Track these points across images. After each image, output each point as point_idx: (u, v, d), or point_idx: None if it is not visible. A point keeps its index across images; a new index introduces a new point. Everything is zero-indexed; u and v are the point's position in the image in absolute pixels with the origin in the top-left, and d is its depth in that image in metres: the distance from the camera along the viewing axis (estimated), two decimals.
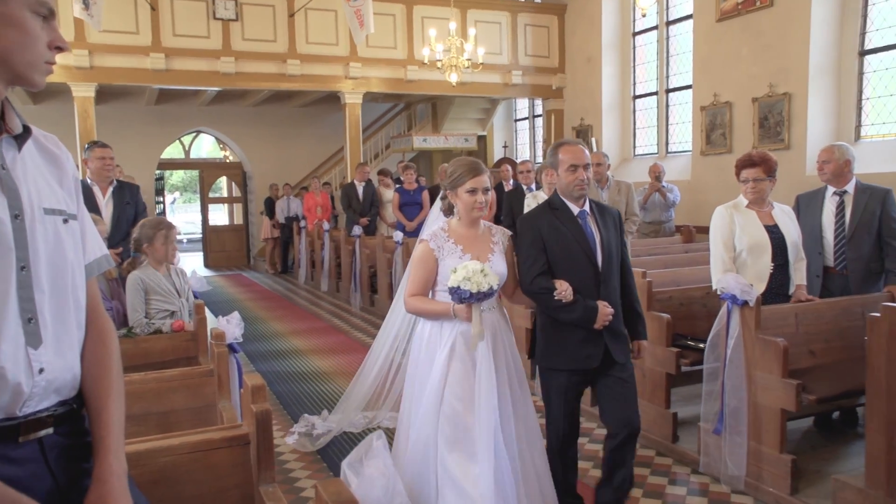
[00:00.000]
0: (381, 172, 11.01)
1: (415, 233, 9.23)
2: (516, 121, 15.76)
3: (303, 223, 12.44)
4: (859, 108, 8.19)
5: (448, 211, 3.02)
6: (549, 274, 3.01)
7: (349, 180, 11.12)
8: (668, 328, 4.27)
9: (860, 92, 8.17)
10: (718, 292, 3.87)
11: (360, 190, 10.45)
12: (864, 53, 8.11)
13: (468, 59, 10.19)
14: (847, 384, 3.87)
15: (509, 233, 3.09)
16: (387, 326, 4.22)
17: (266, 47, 11.07)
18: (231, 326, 3.32)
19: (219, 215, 18.36)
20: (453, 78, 10.27)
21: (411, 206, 9.58)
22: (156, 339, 3.70)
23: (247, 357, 6.86)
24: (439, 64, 10.16)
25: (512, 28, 12.62)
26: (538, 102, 14.14)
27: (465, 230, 2.96)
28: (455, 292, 2.67)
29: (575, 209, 3.08)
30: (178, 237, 4.36)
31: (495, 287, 2.70)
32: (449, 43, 10.08)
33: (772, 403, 3.64)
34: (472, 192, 2.87)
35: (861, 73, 8.14)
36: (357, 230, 9.75)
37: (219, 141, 16.91)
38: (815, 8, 8.19)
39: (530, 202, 6.36)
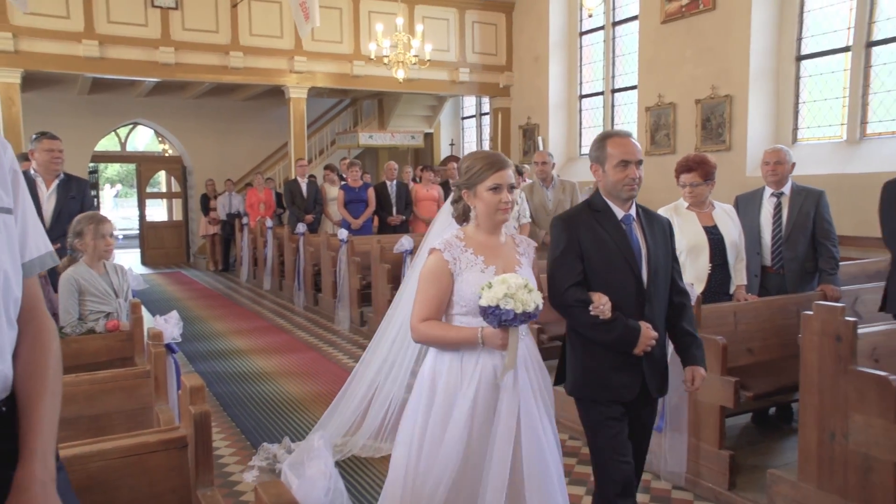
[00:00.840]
0: (328, 167, 10.86)
1: (360, 231, 9.15)
2: (463, 118, 15.77)
3: (245, 220, 12.18)
4: (796, 112, 8.45)
5: (463, 217, 2.54)
6: (584, 285, 2.58)
7: (293, 177, 10.92)
8: None
9: (797, 96, 8.43)
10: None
11: (303, 186, 10.27)
12: (800, 58, 8.37)
13: (415, 56, 10.12)
14: (783, 380, 3.98)
15: (535, 243, 2.67)
16: (373, 350, 3.73)
17: (207, 38, 10.76)
18: (169, 326, 3.19)
19: (157, 211, 17.83)
20: (400, 74, 10.19)
21: (356, 204, 9.47)
22: (89, 339, 3.53)
23: (185, 357, 6.65)
24: (386, 60, 10.06)
25: (460, 25, 12.60)
26: (485, 100, 14.16)
27: (484, 238, 2.49)
28: (491, 314, 2.19)
29: (619, 213, 2.66)
30: (114, 233, 4.13)
31: (541, 306, 2.27)
32: (396, 39, 9.99)
33: (711, 400, 3.70)
34: (496, 189, 2.42)
35: (798, 78, 8.40)
36: (301, 227, 9.59)
37: (158, 134, 16.41)
38: (755, 13, 8.41)
39: None
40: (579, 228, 2.63)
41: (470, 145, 15.48)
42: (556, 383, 2.76)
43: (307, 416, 4.99)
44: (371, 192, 9.54)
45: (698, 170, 4.07)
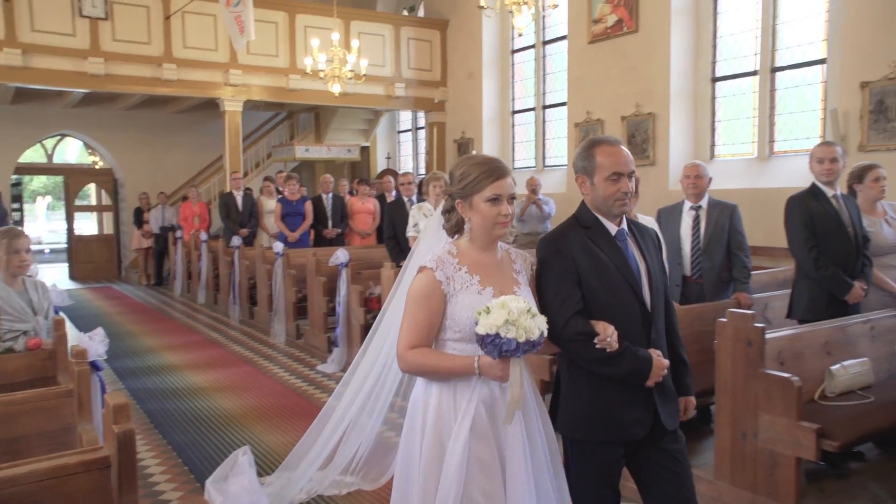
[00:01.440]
0: (268, 179, 10.81)
1: (296, 244, 9.14)
2: (399, 132, 15.89)
3: (179, 233, 11.97)
4: (713, 130, 8.91)
5: (455, 229, 2.26)
6: (585, 314, 2.29)
7: (228, 190, 10.81)
8: None
9: (713, 115, 8.90)
10: None
11: (239, 200, 10.19)
12: (715, 80, 8.85)
13: (351, 71, 10.20)
14: (702, 384, 4.19)
15: (531, 258, 2.38)
16: (347, 382, 3.34)
17: (139, 49, 10.59)
18: (94, 343, 3.16)
19: (87, 224, 17.28)
20: (336, 88, 10.24)
21: (294, 217, 9.46)
22: (7, 358, 3.44)
23: (115, 375, 6.53)
24: (322, 74, 10.10)
25: (395, 41, 12.74)
26: (421, 115, 14.31)
27: (479, 254, 2.22)
28: (490, 343, 1.96)
29: (612, 228, 2.39)
30: (40, 247, 4.03)
31: (546, 332, 2.03)
32: (332, 53, 10.05)
33: None
34: (495, 200, 2.15)
35: (714, 98, 8.87)
36: (236, 241, 9.50)
37: (87, 146, 15.94)
38: (674, 37, 8.83)
39: (415, 214, 6.45)
40: (573, 249, 2.34)
41: (406, 159, 15.60)
42: None
43: (242, 431, 4.98)
44: (308, 206, 9.56)
45: None
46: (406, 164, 15.48)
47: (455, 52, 12.96)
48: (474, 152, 12.20)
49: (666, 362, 2.33)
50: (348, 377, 3.30)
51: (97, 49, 10.24)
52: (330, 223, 9.65)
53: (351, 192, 10.63)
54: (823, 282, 4.20)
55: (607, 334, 2.22)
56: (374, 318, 6.43)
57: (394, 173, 11.49)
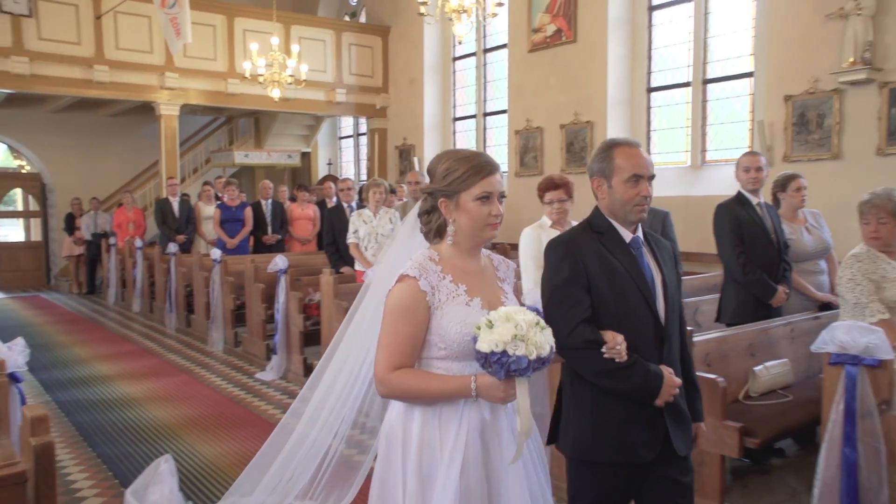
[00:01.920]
0: (207, 183, 10.61)
1: (235, 250, 8.99)
2: (341, 138, 15.81)
3: (112, 240, 11.61)
4: (649, 139, 9.15)
5: (437, 233, 2.02)
6: (593, 323, 2.14)
7: (164, 195, 10.55)
8: None
9: (649, 124, 9.15)
10: (524, 302, 4.16)
11: (175, 206, 9.96)
12: (650, 90, 9.10)
13: (291, 76, 10.11)
14: None
15: (514, 264, 2.21)
16: (304, 399, 2.94)
17: (68, 49, 10.24)
18: (13, 353, 3.03)
19: (13, 231, 16.57)
20: (276, 93, 10.13)
21: (233, 223, 9.32)
22: None
23: (42, 387, 6.30)
24: (261, 79, 9.98)
25: (336, 46, 12.68)
26: (363, 121, 14.28)
27: (462, 260, 2.00)
28: (496, 362, 1.73)
29: (627, 235, 2.25)
30: None
31: (555, 347, 1.82)
32: (271, 58, 9.95)
33: None
34: (485, 199, 1.94)
35: (649, 108, 9.12)
36: (172, 247, 9.28)
37: (12, 149, 15.30)
38: (611, 47, 9.05)
39: (355, 220, 6.44)
40: (585, 253, 2.20)
41: (348, 165, 15.53)
42: (547, 442, 2.31)
43: (176, 442, 4.86)
44: (248, 212, 9.43)
45: (564, 187, 4.35)
46: (348, 171, 15.40)
47: (397, 59, 12.98)
48: (416, 159, 12.25)
49: (678, 381, 2.15)
50: (307, 393, 2.88)
51: (21, 48, 9.86)
52: (270, 229, 9.53)
53: (291, 199, 10.52)
54: (750, 286, 4.37)
55: (616, 342, 2.06)
56: (314, 324, 6.47)
57: (335, 179, 11.41)
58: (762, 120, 7.56)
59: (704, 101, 8.54)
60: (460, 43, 10.57)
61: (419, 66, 12.35)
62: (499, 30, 11.15)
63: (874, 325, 3.08)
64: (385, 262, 2.30)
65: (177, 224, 9.89)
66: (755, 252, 4.37)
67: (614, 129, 9.09)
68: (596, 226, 2.27)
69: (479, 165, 1.96)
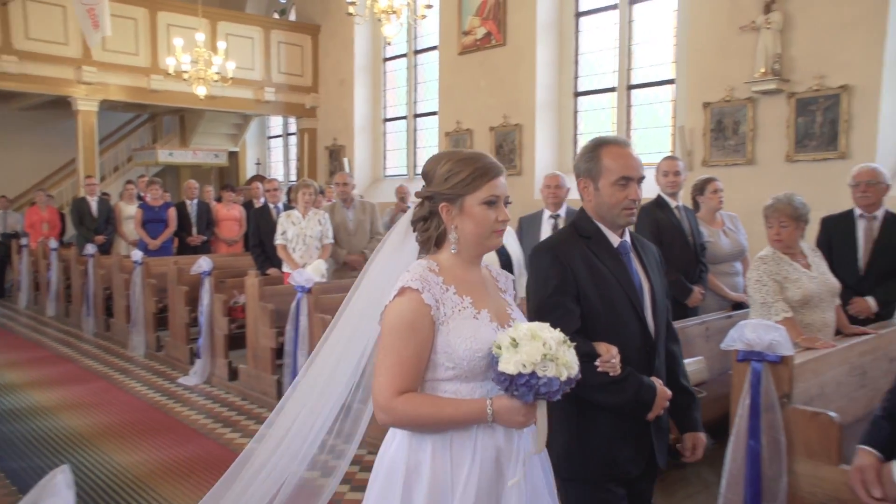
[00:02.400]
0: (130, 182, 10.23)
1: (158, 252, 8.71)
2: (269, 138, 15.56)
3: (24, 241, 11.06)
4: (575, 142, 9.36)
5: (435, 241, 1.84)
6: (583, 333, 2.02)
7: (82, 194, 10.13)
8: None
9: (575, 128, 9.36)
10: None
11: (93, 205, 9.58)
12: (577, 94, 9.31)
13: (218, 73, 9.88)
14: None
15: (511, 276, 2.02)
16: (272, 423, 2.39)
17: None
18: None
19: None
20: (201, 91, 9.88)
21: (156, 224, 9.03)
22: None
23: None
24: (186, 76, 9.71)
25: (265, 44, 12.46)
26: (292, 120, 14.08)
27: (464, 271, 1.82)
28: (524, 385, 1.59)
29: (615, 239, 2.16)
30: None
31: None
32: (197, 54, 9.69)
33: None
34: (492, 203, 1.78)
35: (576, 112, 9.34)
36: (90, 249, 8.91)
37: None
38: (539, 51, 9.22)
39: (283, 222, 6.34)
40: (573, 260, 2.08)
41: (277, 165, 15.29)
42: None
43: (92, 452, 4.66)
44: (172, 212, 9.15)
45: None
46: (277, 171, 15.16)
47: (327, 58, 12.86)
48: (346, 160, 12.15)
49: (669, 393, 2.07)
50: (274, 417, 2.39)
51: None
52: (194, 230, 9.28)
53: (217, 199, 10.27)
54: (668, 287, 4.51)
55: (611, 355, 1.94)
56: (239, 327, 6.33)
57: (263, 179, 11.21)
58: (683, 125, 7.84)
59: (629, 106, 8.80)
60: (389, 44, 10.55)
61: (349, 67, 12.27)
62: (429, 31, 11.20)
63: (778, 324, 3.25)
64: (370, 275, 2.02)
65: (95, 224, 9.51)
66: (673, 254, 4.50)
67: (542, 132, 9.26)
68: (582, 229, 2.16)
69: (485, 167, 1.80)
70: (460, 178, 1.77)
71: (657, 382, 2.07)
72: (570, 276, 2.05)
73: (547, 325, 1.66)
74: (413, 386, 1.71)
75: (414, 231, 1.88)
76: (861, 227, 4.22)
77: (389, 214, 8.66)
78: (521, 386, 1.58)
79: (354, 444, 2.17)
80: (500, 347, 1.62)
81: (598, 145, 2.15)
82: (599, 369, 1.94)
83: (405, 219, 1.92)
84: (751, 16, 7.00)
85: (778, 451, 2.50)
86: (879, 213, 4.20)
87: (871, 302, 4.07)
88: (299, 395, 2.24)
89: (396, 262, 1.92)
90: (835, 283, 3.56)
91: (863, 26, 6.41)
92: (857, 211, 4.25)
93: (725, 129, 7.46)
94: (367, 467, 3.94)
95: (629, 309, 2.08)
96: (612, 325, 2.05)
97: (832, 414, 2.48)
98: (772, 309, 3.38)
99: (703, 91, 7.59)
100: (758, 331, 2.66)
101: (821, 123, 6.70)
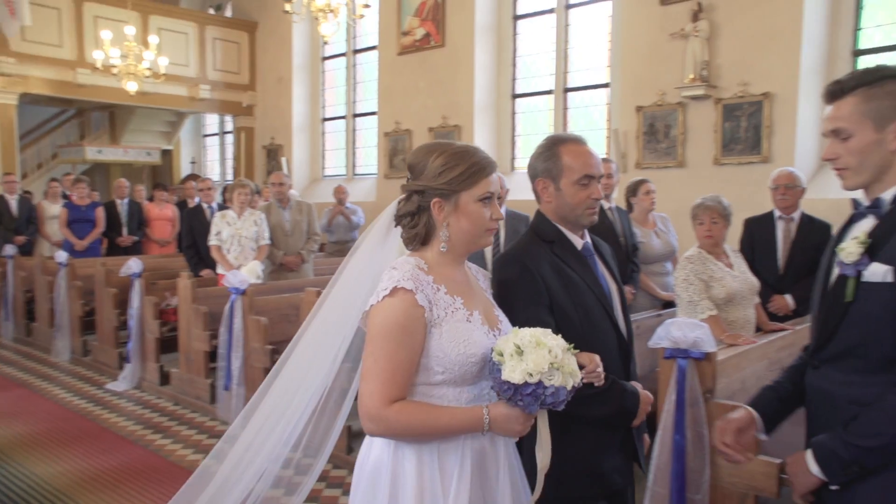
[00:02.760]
0: (54, 180, 9.82)
1: (85, 253, 8.40)
2: (205, 136, 15.21)
3: None
4: (513, 143, 9.47)
5: (423, 238, 1.74)
6: None
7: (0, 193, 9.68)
8: None
9: (513, 129, 9.46)
10: None
11: (12, 204, 9.16)
12: (515, 96, 9.42)
13: (149, 69, 9.59)
14: None
15: (488, 273, 1.96)
16: (231, 439, 2.10)
17: None
18: None
19: None
20: (131, 86, 9.58)
21: (82, 224, 8.70)
22: None
23: None
24: (115, 70, 9.40)
25: (199, 40, 12.17)
26: (228, 119, 13.80)
27: (451, 270, 1.74)
28: (530, 394, 1.53)
29: (578, 241, 2.08)
30: None
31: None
32: (126, 49, 9.39)
33: None
34: (487, 200, 1.71)
35: (514, 114, 9.45)
36: (10, 250, 8.51)
37: None
38: (478, 53, 9.29)
39: (218, 222, 6.21)
40: (543, 269, 1.98)
41: (213, 164, 14.96)
42: None
43: (10, 464, 4.46)
44: (100, 212, 8.85)
45: None
46: (213, 170, 14.84)
47: (265, 56, 12.65)
48: (284, 160, 11.98)
49: (651, 397, 2.01)
50: (236, 431, 2.12)
51: None
52: (125, 231, 9.00)
53: (149, 198, 9.98)
54: None
55: (595, 364, 1.79)
56: (171, 330, 6.17)
57: (198, 178, 10.95)
58: (617, 129, 8.02)
59: (565, 108, 8.95)
60: (326, 43, 10.46)
61: (288, 65, 12.10)
62: (368, 31, 11.15)
63: (704, 321, 3.36)
64: (348, 274, 1.87)
65: (15, 224, 9.09)
66: None
67: (481, 133, 9.33)
68: (544, 234, 2.06)
69: (482, 162, 1.71)
70: (457, 174, 1.68)
71: (638, 387, 2.00)
72: (540, 285, 1.95)
73: (549, 330, 1.60)
74: (404, 393, 1.62)
75: (399, 227, 1.78)
76: (780, 229, 4.41)
77: (327, 215, 8.58)
78: (527, 396, 1.52)
79: (323, 458, 1.99)
80: (501, 354, 1.55)
81: (555, 143, 2.07)
82: (585, 381, 1.74)
83: (387, 214, 1.82)
84: (680, 23, 7.22)
85: (702, 445, 2.59)
86: (796, 215, 4.39)
87: (789, 300, 4.25)
88: (266, 405, 1.99)
89: (376, 260, 1.82)
90: (755, 282, 3.70)
91: (781, 38, 6.70)
92: (777, 213, 4.44)
93: (657, 133, 7.67)
94: (335, 483, 3.92)
95: (602, 314, 2.00)
96: (589, 332, 1.95)
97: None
98: (698, 307, 3.49)
99: (636, 95, 7.79)
100: (683, 329, 2.74)
101: (745, 128, 6.97)
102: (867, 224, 1.70)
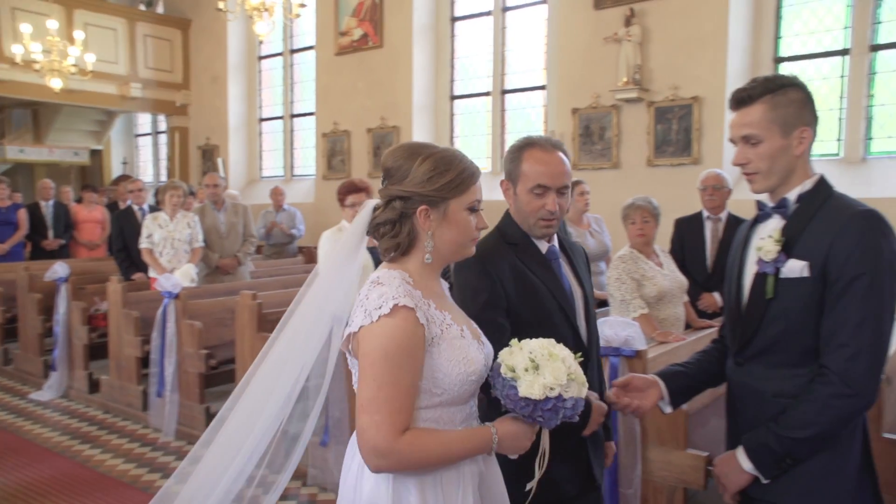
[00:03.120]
0: None
1: (7, 257, 8.05)
2: (137, 136, 14.73)
3: None
4: (452, 145, 9.48)
5: (404, 248, 1.63)
6: None
7: None
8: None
9: (452, 130, 9.50)
10: None
11: None
12: (453, 98, 9.46)
13: (75, 65, 9.24)
14: None
15: (448, 283, 1.86)
16: (204, 458, 1.83)
17: None
18: None
19: None
20: (56, 84, 9.22)
21: (3, 227, 8.32)
22: None
23: None
24: (37, 66, 9.02)
25: (129, 37, 11.77)
26: (162, 118, 13.41)
27: (434, 283, 1.67)
28: (550, 409, 1.49)
29: (542, 245, 2.03)
30: None
31: None
32: (49, 43, 9.03)
33: None
34: (474, 209, 1.65)
35: (452, 115, 9.49)
36: None
37: None
38: (416, 54, 9.29)
39: (150, 224, 6.05)
40: (502, 271, 1.93)
41: (146, 165, 14.52)
42: None
43: None
44: (22, 214, 8.48)
45: (366, 190, 4.40)
46: (146, 171, 14.40)
47: (199, 54, 12.34)
48: (220, 160, 11.72)
49: (605, 407, 1.93)
50: (199, 452, 1.90)
51: None
52: (51, 234, 8.65)
53: (77, 200, 9.62)
54: None
55: None
56: (101, 336, 5.96)
57: (130, 179, 10.60)
58: (554, 130, 8.14)
59: (503, 110, 9.03)
60: (261, 42, 10.27)
61: (223, 64, 11.83)
62: (306, 31, 11.00)
63: (636, 320, 3.45)
64: (317, 288, 1.71)
65: None
66: None
67: (420, 134, 9.33)
68: (508, 235, 2.02)
69: (470, 168, 1.63)
70: (447, 180, 1.58)
71: (592, 396, 1.89)
72: (499, 289, 1.90)
73: (552, 340, 1.57)
74: (410, 420, 1.50)
75: (376, 236, 1.64)
76: (708, 229, 4.56)
77: (264, 218, 8.43)
78: (548, 411, 1.48)
79: (287, 473, 1.84)
80: (513, 370, 1.49)
81: (523, 147, 1.99)
82: None
83: (360, 221, 1.66)
84: (614, 28, 7.38)
85: (633, 440, 2.66)
86: (724, 216, 4.55)
87: (717, 297, 4.40)
88: (231, 425, 1.78)
89: (348, 271, 1.69)
90: (683, 280, 3.83)
91: (709, 44, 6.93)
92: (705, 213, 4.59)
93: (593, 135, 7.83)
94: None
95: (562, 320, 1.95)
96: (545, 337, 1.82)
97: None
98: (630, 306, 3.58)
99: (572, 97, 7.92)
100: (615, 328, 2.81)
101: (676, 131, 7.18)
102: (775, 223, 1.78)
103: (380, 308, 1.48)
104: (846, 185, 6.58)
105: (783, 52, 7.03)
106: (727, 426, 1.92)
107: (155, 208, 6.81)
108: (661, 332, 3.51)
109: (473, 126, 9.36)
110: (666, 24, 7.18)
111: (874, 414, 2.56)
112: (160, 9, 13.08)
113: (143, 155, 14.67)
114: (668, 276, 3.77)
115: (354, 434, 1.55)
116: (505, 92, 9.01)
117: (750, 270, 1.80)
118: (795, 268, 1.68)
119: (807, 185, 1.75)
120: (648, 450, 2.72)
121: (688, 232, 4.66)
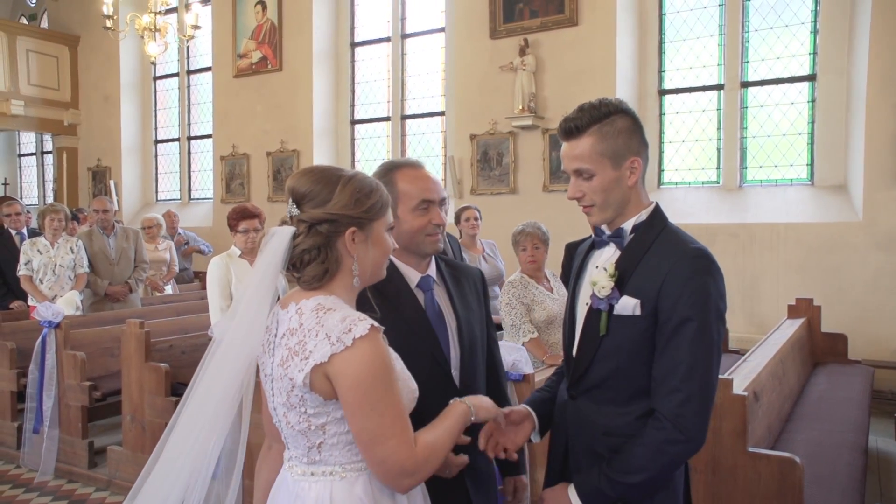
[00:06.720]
0: None
1: None
2: (21, 156, 13.93)
3: None
4: (353, 168, 9.49)
5: (326, 276, 1.55)
6: None
7: None
8: (167, 377, 4.26)
9: (353, 154, 9.53)
10: (212, 335, 4.03)
11: None
12: (354, 122, 9.51)
13: None
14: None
15: None
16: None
17: None
18: None
19: None
20: None
21: None
22: None
23: None
24: None
25: (10, 52, 11.15)
26: (48, 138, 12.74)
27: (354, 305, 1.62)
28: None
29: (414, 275, 1.90)
30: None
31: None
32: None
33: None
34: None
35: (353, 139, 9.52)
36: None
37: None
38: (316, 79, 9.27)
39: (28, 250, 5.76)
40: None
41: (30, 186, 13.73)
42: None
43: None
44: None
45: (258, 217, 4.32)
46: (30, 193, 13.62)
47: (88, 72, 11.83)
48: (112, 182, 11.23)
49: (463, 459, 1.71)
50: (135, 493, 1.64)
51: None
52: None
53: None
54: None
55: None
56: None
57: (12, 201, 9.98)
58: (453, 156, 8.30)
59: (403, 135, 9.14)
60: (153, 63, 9.95)
61: (115, 83, 11.41)
62: (203, 52, 10.78)
63: (525, 344, 3.56)
64: (239, 321, 1.57)
65: None
66: None
67: (320, 158, 9.30)
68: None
69: (385, 190, 1.62)
70: (373, 201, 1.56)
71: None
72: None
73: None
74: (411, 435, 1.49)
75: (299, 264, 1.55)
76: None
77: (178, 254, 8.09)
78: None
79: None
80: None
81: (390, 170, 1.91)
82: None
83: (275, 253, 1.54)
84: (509, 57, 7.64)
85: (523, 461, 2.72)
86: None
87: None
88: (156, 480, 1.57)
89: (267, 301, 1.56)
90: None
91: (598, 75, 7.28)
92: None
93: (491, 160, 8.03)
94: None
95: (427, 358, 1.81)
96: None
97: None
98: (520, 331, 3.69)
99: (470, 124, 8.11)
100: (502, 352, 2.88)
101: None
102: (609, 252, 1.78)
103: (349, 332, 1.43)
104: (726, 211, 7.13)
105: (667, 85, 7.47)
106: (550, 450, 1.92)
107: (37, 233, 6.45)
108: (551, 356, 3.63)
109: (374, 150, 9.42)
110: (558, 54, 7.49)
111: (739, 429, 2.73)
112: (45, 23, 12.48)
113: (28, 176, 13.87)
114: (558, 301, 3.90)
115: (283, 481, 1.56)
116: (405, 117, 9.12)
117: (583, 301, 1.79)
118: (628, 305, 1.66)
119: (642, 215, 1.75)
120: (537, 472, 2.80)
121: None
